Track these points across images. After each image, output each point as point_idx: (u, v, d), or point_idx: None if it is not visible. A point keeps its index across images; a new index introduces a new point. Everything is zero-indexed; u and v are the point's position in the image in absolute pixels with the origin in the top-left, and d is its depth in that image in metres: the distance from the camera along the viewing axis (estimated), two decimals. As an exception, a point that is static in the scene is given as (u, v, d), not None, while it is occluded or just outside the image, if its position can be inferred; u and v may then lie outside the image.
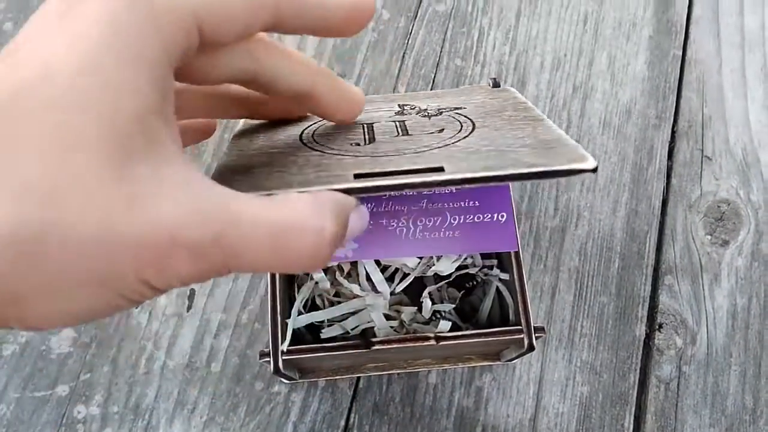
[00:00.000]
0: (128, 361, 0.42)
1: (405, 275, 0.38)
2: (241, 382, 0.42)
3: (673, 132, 0.48)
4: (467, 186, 0.26)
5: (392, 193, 0.35)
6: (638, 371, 0.43)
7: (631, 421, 0.42)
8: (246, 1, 0.20)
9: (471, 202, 0.36)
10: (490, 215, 0.36)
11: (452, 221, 0.36)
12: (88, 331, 0.42)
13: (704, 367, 0.43)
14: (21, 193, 0.16)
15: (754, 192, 0.46)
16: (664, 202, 0.46)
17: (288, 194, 0.20)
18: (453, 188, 0.36)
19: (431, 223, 0.36)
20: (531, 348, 0.34)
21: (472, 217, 0.36)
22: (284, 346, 0.34)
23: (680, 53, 0.49)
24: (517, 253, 0.35)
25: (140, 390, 0.41)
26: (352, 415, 0.42)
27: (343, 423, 0.41)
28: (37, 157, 0.16)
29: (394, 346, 0.34)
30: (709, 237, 0.46)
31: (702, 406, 0.42)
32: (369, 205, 0.36)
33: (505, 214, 0.36)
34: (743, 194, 0.46)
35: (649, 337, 0.44)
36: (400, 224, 0.36)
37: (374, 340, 0.34)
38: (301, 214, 0.19)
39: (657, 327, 0.44)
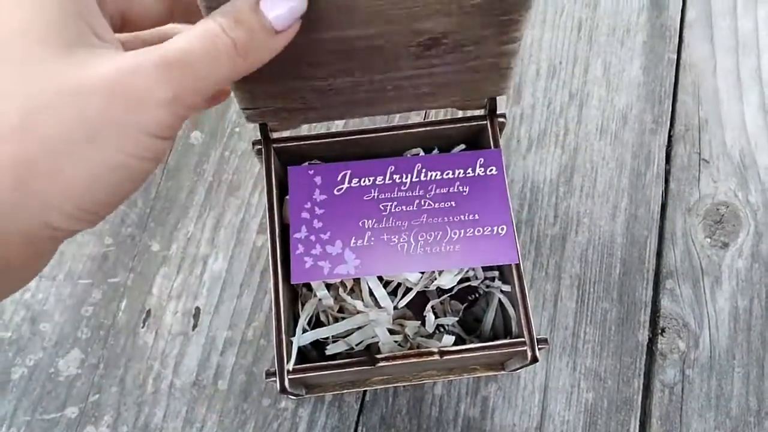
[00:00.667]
0: (136, 381, 0.42)
1: (408, 290, 0.38)
2: (248, 398, 0.42)
3: (670, 136, 0.48)
4: None
5: (393, 208, 0.36)
6: (642, 376, 0.43)
7: (637, 426, 0.42)
8: None
9: (471, 216, 0.36)
10: (490, 228, 0.36)
11: (452, 235, 0.36)
12: (96, 352, 0.43)
13: (708, 370, 0.43)
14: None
15: (753, 193, 0.47)
16: (663, 207, 0.46)
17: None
18: (447, 189, 0.37)
19: (432, 238, 0.36)
20: (534, 360, 0.34)
21: (472, 230, 0.36)
22: (290, 366, 0.34)
23: (675, 57, 0.50)
24: (518, 266, 0.36)
25: (149, 410, 0.42)
26: (360, 428, 0.42)
27: (350, 436, 0.42)
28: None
29: (399, 362, 0.34)
30: (708, 240, 0.46)
31: (706, 409, 0.43)
32: (370, 221, 0.36)
33: (505, 227, 0.36)
34: (741, 196, 0.47)
35: (652, 341, 0.44)
36: (401, 240, 0.36)
37: (379, 356, 0.34)
38: (199, 28, 0.23)
39: (660, 331, 0.44)
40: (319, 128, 0.47)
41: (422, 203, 0.37)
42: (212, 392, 0.42)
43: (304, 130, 0.46)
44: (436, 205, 0.37)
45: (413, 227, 0.36)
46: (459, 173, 0.37)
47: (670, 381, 0.43)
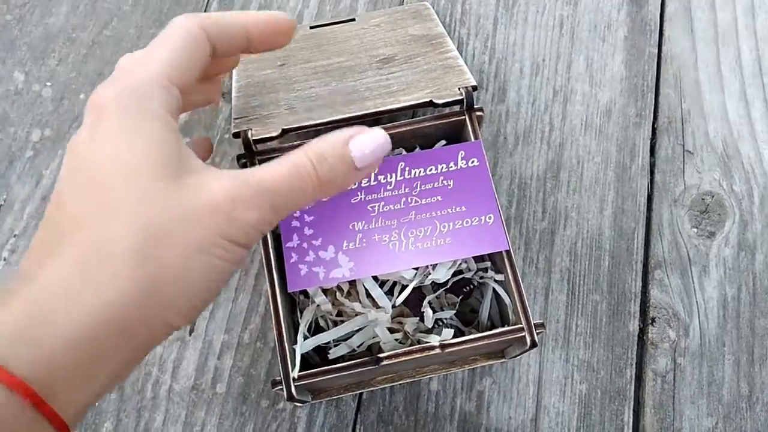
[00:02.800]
0: (135, 387, 0.43)
1: (403, 287, 0.38)
2: (246, 401, 0.42)
3: (654, 129, 0.49)
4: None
5: (381, 208, 0.37)
6: (634, 366, 0.44)
7: (630, 416, 0.43)
8: (194, 54, 0.29)
9: (458, 208, 0.37)
10: (478, 218, 0.37)
11: (442, 229, 0.37)
12: (93, 360, 0.43)
13: (698, 357, 0.44)
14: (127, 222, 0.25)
15: (737, 183, 0.47)
16: (650, 198, 0.47)
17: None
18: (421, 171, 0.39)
19: (422, 234, 0.37)
20: (533, 344, 0.35)
21: (460, 222, 0.37)
22: (295, 373, 0.35)
23: (656, 51, 0.50)
24: (509, 254, 0.36)
25: (149, 415, 0.42)
26: (358, 426, 0.42)
27: (348, 435, 0.42)
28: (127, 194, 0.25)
29: (402, 359, 0.35)
30: (695, 230, 0.47)
31: (699, 396, 0.43)
32: (359, 223, 0.37)
33: (492, 216, 0.37)
34: (726, 186, 0.47)
35: (642, 331, 0.45)
36: (392, 239, 0.37)
37: (382, 355, 0.35)
38: (293, 161, 0.28)
39: (650, 321, 0.45)
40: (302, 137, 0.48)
41: (409, 200, 0.37)
42: (211, 396, 0.43)
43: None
44: (423, 201, 0.37)
45: (402, 225, 0.37)
46: (442, 168, 0.38)
47: (662, 370, 0.44)
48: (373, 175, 0.38)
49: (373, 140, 0.29)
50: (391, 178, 0.38)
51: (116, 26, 0.51)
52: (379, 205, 0.38)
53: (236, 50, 0.32)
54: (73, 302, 0.23)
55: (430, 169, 0.38)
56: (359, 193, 0.38)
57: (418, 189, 0.38)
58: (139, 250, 0.24)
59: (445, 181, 0.38)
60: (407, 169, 0.38)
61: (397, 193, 0.38)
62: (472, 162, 0.38)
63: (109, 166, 0.25)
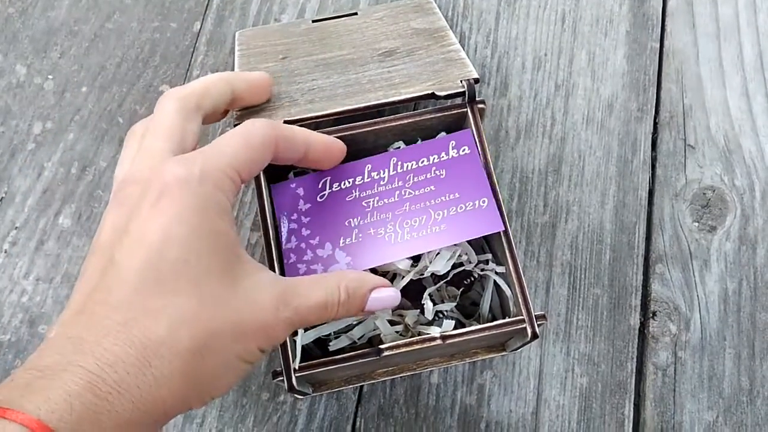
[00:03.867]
0: (135, 380, 0.43)
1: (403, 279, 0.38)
2: (247, 393, 0.42)
3: (656, 123, 0.49)
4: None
5: (376, 203, 0.37)
6: (635, 360, 0.44)
7: (631, 409, 0.43)
8: (262, 158, 0.32)
9: (451, 195, 0.37)
10: (472, 203, 0.37)
11: (436, 217, 0.37)
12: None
13: (699, 351, 0.44)
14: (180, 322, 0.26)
15: (738, 177, 0.47)
16: (651, 193, 0.47)
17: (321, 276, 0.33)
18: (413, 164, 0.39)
19: (417, 223, 0.37)
20: (534, 336, 0.35)
21: (454, 208, 0.37)
22: (296, 364, 0.35)
23: (658, 46, 0.50)
24: (510, 247, 0.36)
25: (149, 407, 0.42)
26: (358, 419, 0.42)
27: (349, 428, 0.42)
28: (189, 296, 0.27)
29: (403, 350, 0.35)
30: (696, 224, 0.47)
31: (699, 390, 0.43)
32: (355, 220, 0.37)
33: (486, 199, 0.37)
34: (727, 180, 0.47)
35: (643, 325, 0.45)
36: (387, 231, 0.37)
37: (384, 346, 0.35)
38: (327, 291, 0.31)
39: (651, 315, 0.45)
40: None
41: (403, 193, 0.38)
42: (211, 388, 0.42)
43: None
44: (417, 192, 0.38)
45: (397, 216, 0.37)
46: (434, 158, 0.39)
47: (663, 363, 0.44)
48: (366, 172, 0.39)
49: (390, 298, 0.34)
50: (384, 173, 0.38)
51: (118, 19, 0.51)
52: (373, 200, 0.38)
53: (291, 162, 0.35)
54: (129, 395, 0.24)
55: (422, 161, 0.39)
56: (354, 191, 0.38)
57: (411, 181, 0.38)
58: (195, 352, 0.26)
59: (437, 171, 0.38)
60: (399, 163, 0.39)
61: (390, 187, 0.38)
62: (463, 150, 0.39)
63: (175, 262, 0.26)
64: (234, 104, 0.37)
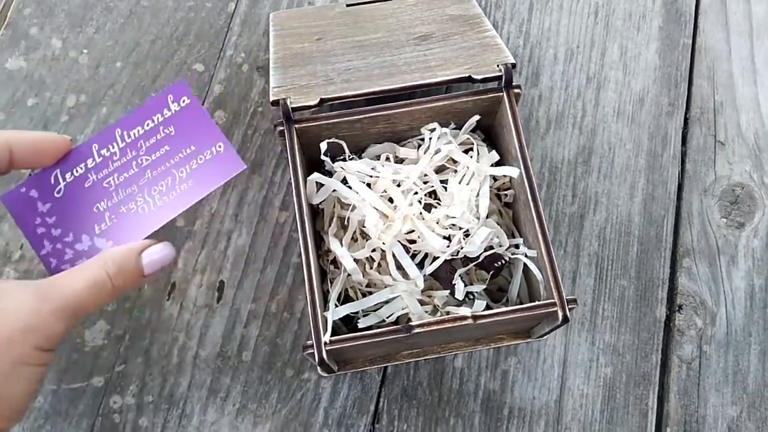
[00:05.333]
0: (161, 352, 0.43)
1: (434, 259, 0.39)
2: (272, 369, 0.43)
3: (686, 119, 0.49)
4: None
5: (116, 180, 0.38)
6: (660, 352, 0.44)
7: (655, 401, 0.43)
8: None
9: (187, 150, 0.38)
10: (209, 151, 0.37)
11: (180, 175, 0.37)
12: (122, 323, 0.43)
13: (724, 346, 0.44)
14: None
15: (767, 175, 0.47)
16: (680, 187, 0.47)
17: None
18: (166, 147, 0.38)
19: (164, 187, 0.37)
20: (566, 320, 0.35)
21: (195, 161, 0.37)
22: (326, 338, 0.35)
23: (690, 42, 0.50)
24: (543, 230, 0.36)
25: (174, 379, 0.42)
26: (381, 399, 0.42)
27: (372, 407, 0.42)
28: None
29: (434, 328, 0.35)
30: (724, 220, 0.46)
31: (723, 384, 0.43)
32: (102, 203, 0.37)
33: (221, 144, 0.38)
34: (757, 178, 0.47)
35: (669, 318, 0.45)
36: (138, 203, 0.37)
37: (414, 323, 0.35)
38: (93, 272, 0.33)
39: (677, 308, 0.45)
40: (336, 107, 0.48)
41: (140, 162, 0.38)
42: (236, 363, 0.43)
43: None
44: (153, 156, 0.38)
45: (143, 187, 0.37)
46: (158, 118, 0.38)
47: (688, 357, 0.44)
48: (95, 152, 0.38)
49: (163, 254, 0.35)
50: (114, 148, 0.38)
51: (154, -3, 0.51)
52: (113, 178, 0.37)
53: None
54: None
55: (147, 124, 0.38)
56: (90, 175, 0.37)
57: (144, 147, 0.38)
58: None
59: (165, 130, 0.38)
60: (125, 133, 0.38)
61: (125, 160, 0.38)
62: (183, 101, 0.38)
63: None
64: (14, 164, 0.35)
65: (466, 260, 0.39)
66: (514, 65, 0.40)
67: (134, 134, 0.38)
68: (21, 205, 0.37)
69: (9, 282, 0.31)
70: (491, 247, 0.39)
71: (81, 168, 0.37)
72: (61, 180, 0.37)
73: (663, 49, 0.50)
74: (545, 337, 0.41)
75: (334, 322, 0.38)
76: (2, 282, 0.31)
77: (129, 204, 0.37)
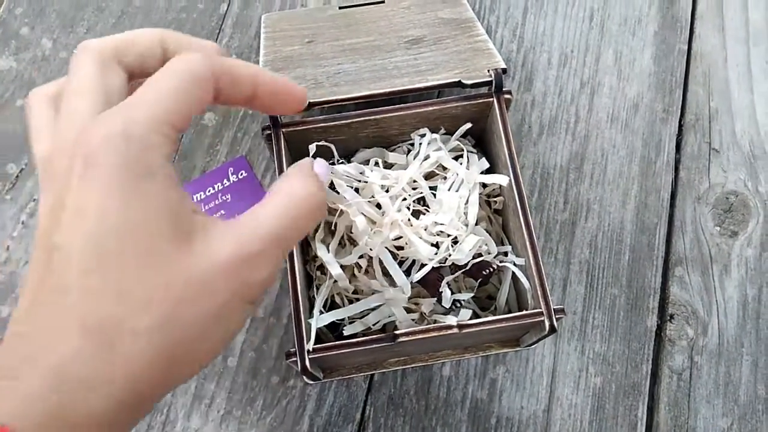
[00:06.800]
0: (146, 357, 0.42)
1: (422, 266, 0.38)
2: (257, 376, 0.42)
3: (681, 125, 0.48)
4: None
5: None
6: (650, 362, 0.43)
7: (645, 412, 0.42)
8: (198, 100, 0.26)
9: (239, 213, 0.39)
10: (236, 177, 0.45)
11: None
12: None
13: (716, 357, 0.43)
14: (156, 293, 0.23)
15: (762, 183, 0.47)
16: (673, 195, 0.47)
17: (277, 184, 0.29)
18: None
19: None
20: (552, 330, 0.34)
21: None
22: (310, 346, 0.34)
23: (686, 48, 0.50)
24: (531, 238, 0.36)
25: (158, 385, 0.42)
26: (368, 407, 0.42)
27: (358, 416, 0.42)
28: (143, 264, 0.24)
29: (419, 337, 0.34)
30: (718, 228, 0.46)
31: (714, 396, 0.43)
32: None
33: (244, 172, 0.44)
34: (751, 186, 0.47)
35: (660, 328, 0.44)
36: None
37: (399, 332, 0.34)
38: (294, 191, 0.28)
39: (668, 318, 0.44)
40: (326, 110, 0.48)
41: None
42: (222, 369, 0.42)
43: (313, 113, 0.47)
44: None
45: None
46: (218, 186, 0.44)
47: (679, 367, 0.43)
48: None
49: (324, 164, 0.32)
50: None
51: (145, -2, 0.51)
52: None
53: (237, 103, 0.30)
54: (96, 386, 0.22)
55: (209, 190, 0.44)
56: None
57: (204, 210, 0.42)
58: (159, 325, 0.23)
59: (223, 197, 0.44)
60: (190, 196, 0.42)
61: None
62: (242, 174, 0.44)
63: (117, 233, 0.23)
64: (252, 105, 0.32)
65: (454, 268, 0.39)
66: (504, 70, 0.39)
67: (197, 198, 0.44)
68: None
69: (212, 219, 0.26)
70: (480, 255, 0.39)
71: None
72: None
73: (658, 55, 0.50)
74: (534, 345, 0.40)
75: (319, 329, 0.38)
76: (204, 217, 0.26)
77: None
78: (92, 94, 0.26)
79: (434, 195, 0.40)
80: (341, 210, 0.39)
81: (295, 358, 0.34)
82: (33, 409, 0.21)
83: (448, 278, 0.38)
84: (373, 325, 0.38)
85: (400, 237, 0.38)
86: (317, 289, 0.39)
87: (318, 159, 0.32)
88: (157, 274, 0.23)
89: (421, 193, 0.40)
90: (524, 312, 0.35)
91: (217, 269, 0.24)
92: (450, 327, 0.35)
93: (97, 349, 0.22)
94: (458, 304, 0.40)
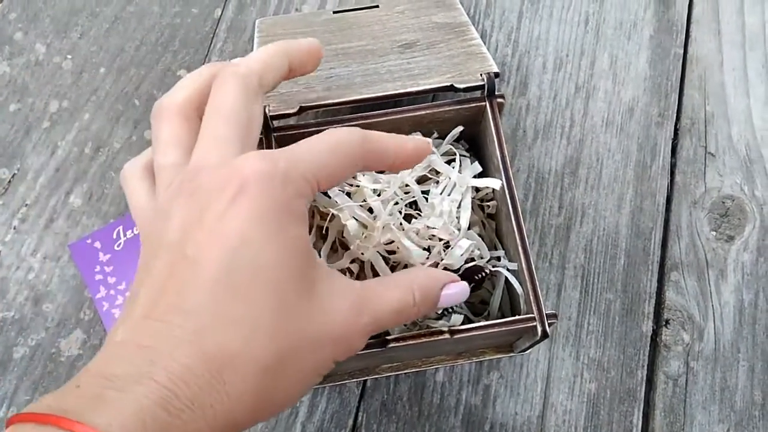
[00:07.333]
0: (137, 363, 0.42)
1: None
2: (249, 381, 0.42)
3: (676, 129, 0.48)
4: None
5: None
6: (646, 368, 0.43)
7: (640, 418, 0.42)
8: (346, 170, 0.28)
9: None
10: None
11: None
12: (98, 333, 0.43)
13: (712, 362, 0.43)
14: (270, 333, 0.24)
15: (759, 188, 0.46)
16: (669, 199, 0.46)
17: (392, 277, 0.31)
18: None
19: None
20: (545, 335, 0.34)
21: None
22: None
23: (681, 52, 0.50)
24: (524, 243, 0.36)
25: (149, 391, 0.42)
26: (360, 414, 0.42)
27: (351, 422, 0.41)
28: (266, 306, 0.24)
29: (410, 342, 0.34)
30: (714, 233, 0.46)
31: (710, 401, 0.42)
32: None
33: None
34: (747, 190, 0.46)
35: (656, 333, 0.44)
36: None
37: (389, 338, 0.34)
38: (402, 293, 0.29)
39: (664, 323, 0.44)
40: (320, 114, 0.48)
41: None
42: (213, 374, 0.42)
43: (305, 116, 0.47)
44: None
45: None
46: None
47: (674, 373, 0.43)
48: None
49: (460, 293, 0.32)
50: None
51: (140, 3, 0.51)
52: None
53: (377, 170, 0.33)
54: (202, 413, 0.22)
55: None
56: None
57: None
58: (271, 368, 0.24)
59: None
60: None
61: None
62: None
63: (253, 266, 0.24)
64: (287, 77, 0.33)
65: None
66: (497, 74, 0.39)
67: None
68: (85, 253, 0.43)
69: (334, 273, 0.28)
70: (472, 259, 0.38)
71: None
72: (122, 236, 0.43)
73: (654, 59, 0.50)
74: (528, 351, 0.40)
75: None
76: (326, 270, 0.28)
77: None
78: (235, 122, 0.28)
79: (426, 199, 0.40)
80: (333, 214, 0.38)
81: None
82: (144, 425, 0.21)
83: (440, 283, 0.38)
84: (365, 330, 0.38)
85: (392, 241, 0.38)
86: (309, 294, 0.39)
87: (461, 282, 0.32)
88: (279, 318, 0.24)
89: (414, 197, 0.40)
90: (516, 317, 0.35)
91: (329, 332, 0.26)
92: (441, 333, 0.34)
93: (208, 376, 0.23)
94: (451, 309, 0.39)
